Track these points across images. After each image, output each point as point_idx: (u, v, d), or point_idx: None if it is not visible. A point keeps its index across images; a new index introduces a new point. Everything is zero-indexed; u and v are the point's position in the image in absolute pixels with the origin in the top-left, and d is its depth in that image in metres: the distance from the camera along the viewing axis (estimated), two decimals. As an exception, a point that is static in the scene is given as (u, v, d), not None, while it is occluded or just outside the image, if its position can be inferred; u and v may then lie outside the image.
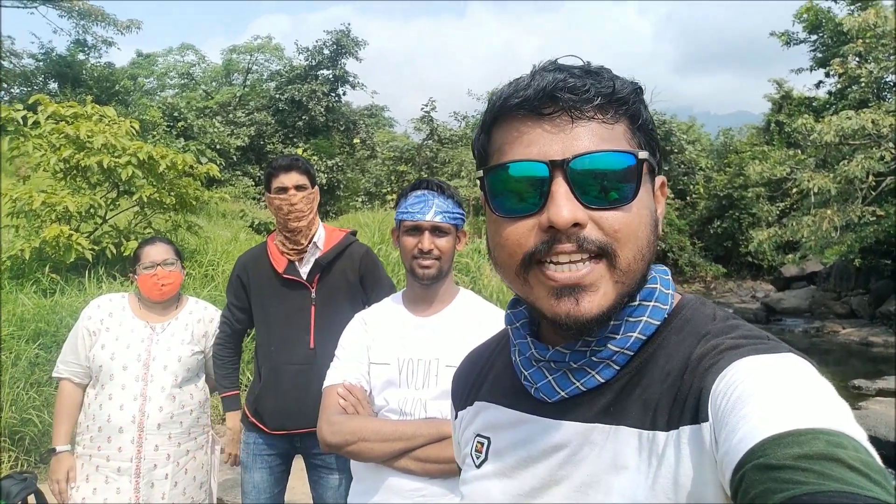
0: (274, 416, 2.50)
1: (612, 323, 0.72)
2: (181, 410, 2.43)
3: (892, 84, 15.31)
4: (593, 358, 0.73)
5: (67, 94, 18.98)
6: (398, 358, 1.76)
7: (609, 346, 0.72)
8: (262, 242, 2.68)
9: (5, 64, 22.05)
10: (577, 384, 0.74)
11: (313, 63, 22.61)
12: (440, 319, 1.82)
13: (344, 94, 23.58)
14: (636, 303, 0.74)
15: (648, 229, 0.71)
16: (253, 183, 20.11)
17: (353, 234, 2.71)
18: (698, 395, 0.65)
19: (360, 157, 23.05)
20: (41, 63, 22.30)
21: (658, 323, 0.74)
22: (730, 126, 31.29)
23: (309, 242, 2.55)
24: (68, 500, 2.40)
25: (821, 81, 20.33)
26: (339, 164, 20.61)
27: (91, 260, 6.63)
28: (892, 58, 12.87)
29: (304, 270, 2.56)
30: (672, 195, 25.04)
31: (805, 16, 18.67)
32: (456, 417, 0.96)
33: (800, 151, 15.51)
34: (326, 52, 22.53)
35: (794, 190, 14.93)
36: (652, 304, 0.74)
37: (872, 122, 11.81)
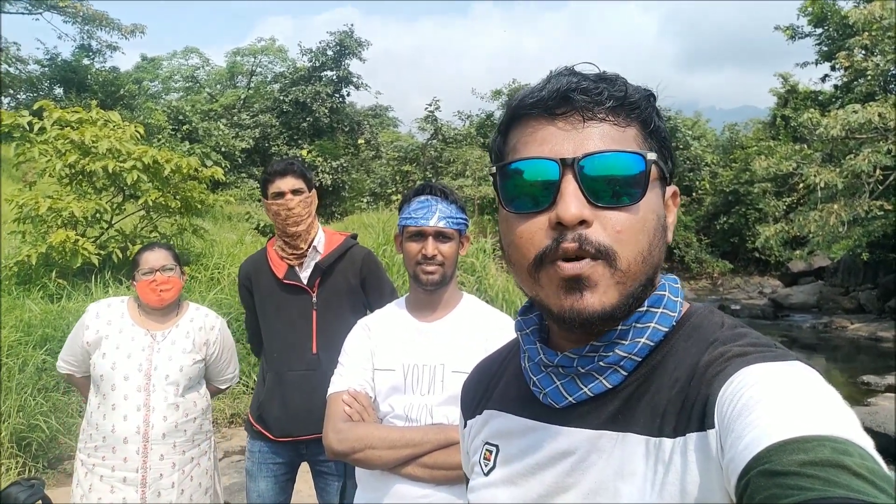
0: (279, 423, 2.49)
1: (619, 328, 0.73)
2: (185, 419, 2.42)
3: (898, 77, 15.22)
4: (601, 363, 0.73)
5: (73, 99, 19.08)
6: (403, 364, 1.75)
7: (617, 350, 0.73)
8: (263, 248, 2.67)
9: (11, 70, 22.17)
10: (585, 389, 0.74)
11: (317, 64, 22.65)
12: (444, 325, 1.81)
13: (348, 94, 23.64)
14: (644, 309, 0.74)
15: (653, 233, 0.72)
16: (258, 185, 20.13)
17: (354, 237, 2.69)
18: (705, 401, 0.65)
19: (364, 158, 23.08)
20: (46, 69, 22.43)
21: (666, 329, 0.74)
22: (735, 121, 31.16)
23: (308, 247, 2.53)
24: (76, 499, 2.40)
25: (826, 75, 20.23)
26: (344, 164, 20.64)
27: (97, 264, 6.66)
28: (898, 50, 12.79)
29: (304, 275, 2.54)
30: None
31: (810, 9, 18.57)
32: (465, 426, 0.97)
33: (806, 146, 15.43)
34: (330, 53, 22.56)
35: (801, 185, 14.88)
36: (660, 310, 0.74)
37: (879, 115, 11.74)
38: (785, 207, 19.75)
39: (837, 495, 0.49)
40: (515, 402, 0.84)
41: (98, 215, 7.12)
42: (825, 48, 18.97)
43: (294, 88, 22.25)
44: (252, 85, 27.76)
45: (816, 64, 19.70)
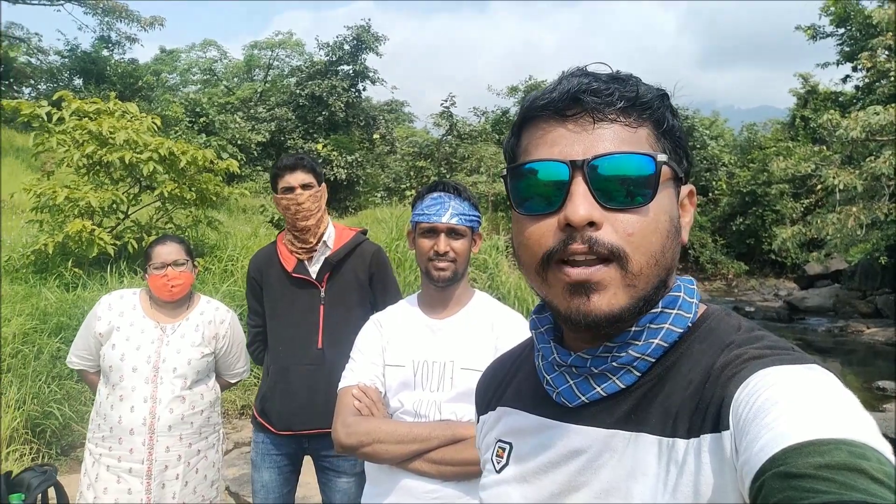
0: (281, 416, 2.50)
1: (633, 329, 0.73)
2: (192, 412, 2.43)
3: (921, 79, 14.98)
4: (614, 363, 0.73)
5: (91, 90, 19.26)
6: (413, 360, 1.76)
7: (630, 351, 0.73)
8: (272, 242, 2.67)
9: (32, 61, 22.43)
10: (598, 389, 0.74)
11: (333, 59, 22.68)
12: (455, 321, 1.81)
13: (364, 89, 23.65)
14: (658, 310, 0.73)
15: (665, 235, 0.71)
16: (273, 178, 20.22)
17: (364, 232, 2.69)
18: (720, 403, 0.65)
19: (379, 153, 23.10)
20: (66, 60, 22.67)
21: (681, 331, 0.73)
22: (753, 121, 30.85)
23: (318, 241, 2.53)
24: (80, 499, 2.42)
25: (848, 76, 19.97)
26: (359, 159, 20.67)
27: (113, 255, 6.72)
28: (921, 52, 12.59)
29: (313, 269, 2.54)
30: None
31: (832, 9, 18.32)
32: (478, 422, 0.97)
33: (825, 147, 15.24)
34: (347, 47, 22.58)
35: (819, 187, 14.69)
36: (675, 311, 0.74)
37: (901, 117, 11.56)
38: (802, 209, 19.56)
39: (854, 499, 0.48)
40: (529, 399, 0.84)
41: (114, 206, 7.18)
42: (847, 48, 18.73)
43: (310, 82, 22.30)
44: (269, 78, 27.88)
45: (838, 64, 19.47)
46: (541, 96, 0.74)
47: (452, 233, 1.77)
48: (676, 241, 0.73)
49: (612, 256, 0.68)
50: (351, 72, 22.85)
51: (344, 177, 20.01)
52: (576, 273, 0.69)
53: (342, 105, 21.89)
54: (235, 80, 29.27)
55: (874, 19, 13.98)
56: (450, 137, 21.45)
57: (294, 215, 2.47)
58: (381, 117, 24.17)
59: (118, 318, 2.46)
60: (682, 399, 0.69)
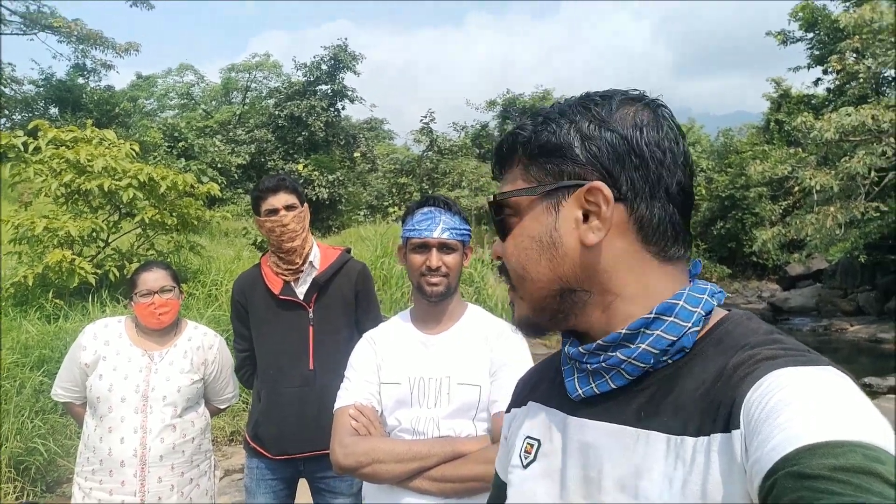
0: (276, 441, 2.47)
1: (623, 332, 0.74)
2: (183, 440, 2.39)
3: (890, 79, 15.30)
4: (604, 364, 0.76)
5: (68, 118, 19.10)
6: (409, 377, 1.74)
7: (618, 353, 0.75)
8: (256, 265, 2.65)
9: (7, 91, 22.21)
10: (593, 385, 0.78)
11: (311, 79, 22.72)
12: (450, 336, 1.80)
13: (343, 108, 23.70)
14: (652, 316, 0.74)
15: (527, 253, 0.80)
16: (255, 200, 20.13)
17: (348, 251, 2.68)
18: (731, 403, 0.65)
19: (360, 171, 23.11)
20: (41, 89, 22.47)
21: (673, 338, 0.73)
22: (729, 126, 31.29)
23: (304, 262, 2.51)
24: None
25: (819, 79, 20.35)
26: (341, 178, 20.66)
27: (94, 284, 6.63)
28: (890, 52, 12.84)
29: (300, 290, 2.52)
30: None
31: (800, 14, 18.70)
32: (508, 412, 0.99)
33: (800, 149, 15.47)
34: (324, 67, 22.64)
35: (797, 188, 14.90)
36: (670, 319, 0.74)
37: (872, 117, 11.77)
38: (781, 211, 19.76)
39: (869, 502, 0.48)
40: (555, 395, 0.87)
41: (94, 234, 7.11)
42: (817, 52, 19.10)
43: (289, 103, 22.31)
44: (247, 100, 27.85)
45: (808, 68, 19.83)
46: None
47: (444, 247, 1.76)
48: (552, 255, 0.78)
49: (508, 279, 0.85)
50: (329, 91, 22.90)
51: (326, 196, 19.98)
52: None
53: (321, 125, 21.90)
54: (213, 103, 29.19)
55: (841, 23, 14.27)
56: (430, 153, 21.53)
57: (279, 237, 2.45)
58: (361, 135, 24.21)
59: (104, 347, 2.41)
60: (694, 398, 0.70)
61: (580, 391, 0.79)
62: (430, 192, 19.91)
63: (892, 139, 12.15)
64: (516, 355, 1.75)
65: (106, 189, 6.73)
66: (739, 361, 0.68)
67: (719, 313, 0.78)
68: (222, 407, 2.74)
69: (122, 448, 2.29)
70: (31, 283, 6.45)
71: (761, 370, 0.64)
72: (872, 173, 12.45)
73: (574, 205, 0.76)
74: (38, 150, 6.86)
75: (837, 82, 17.11)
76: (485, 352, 1.75)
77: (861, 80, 14.09)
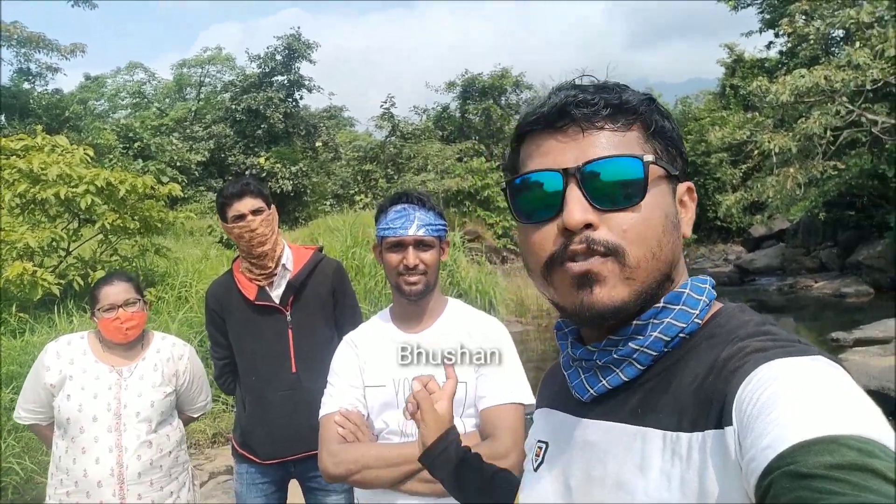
0: (265, 446, 2.44)
1: (635, 323, 0.75)
2: (160, 455, 2.32)
3: (839, 39, 15.60)
4: (615, 356, 0.76)
5: (16, 125, 18.47)
6: (393, 378, 1.71)
7: (630, 344, 0.75)
8: (228, 271, 2.59)
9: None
10: (604, 382, 0.77)
11: (267, 70, 22.32)
12: (432, 334, 1.76)
13: (301, 98, 23.37)
14: (661, 305, 0.75)
15: (660, 230, 0.74)
16: (218, 197, 19.80)
17: (321, 249, 2.64)
18: (723, 398, 0.65)
19: (324, 161, 22.86)
20: (-16, 96, 21.67)
21: (682, 325, 0.74)
22: (686, 94, 31.67)
23: (277, 265, 2.47)
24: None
25: (771, 42, 20.65)
26: (304, 169, 20.41)
27: (59, 294, 6.45)
28: (837, 14, 13.07)
29: (275, 294, 2.48)
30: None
31: (750, -21, 18.90)
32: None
33: (757, 113, 15.74)
34: (279, 57, 22.25)
35: (756, 152, 15.18)
36: (678, 307, 0.75)
37: (825, 78, 11.98)
38: (742, 175, 20.15)
39: (868, 501, 0.48)
40: (562, 399, 0.88)
41: (54, 244, 6.90)
42: (767, 16, 19.34)
43: (245, 96, 21.89)
44: (202, 96, 27.28)
45: (761, 32, 20.08)
46: (532, 112, 0.78)
47: (420, 245, 1.72)
48: (675, 236, 0.76)
49: (609, 252, 0.72)
50: (286, 82, 22.54)
51: (290, 188, 19.73)
52: (577, 266, 0.73)
53: (280, 116, 21.56)
54: (167, 100, 28.53)
55: (790, -14, 14.49)
56: (393, 138, 21.38)
57: (249, 242, 2.40)
58: (321, 125, 23.91)
59: (69, 366, 2.30)
60: (688, 393, 0.70)
61: (591, 390, 0.78)
62: (395, 177, 19.81)
63: (844, 98, 12.41)
64: (501, 348, 1.73)
65: (63, 197, 6.52)
66: (730, 354, 0.68)
67: (714, 307, 0.78)
68: (196, 416, 2.68)
69: (97, 468, 2.22)
70: (-9, 299, 6.26)
71: (751, 363, 0.64)
72: (828, 133, 12.71)
73: (676, 196, 0.78)
74: (-13, 160, 6.62)
75: (789, 45, 17.37)
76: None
77: (811, 41, 14.31)
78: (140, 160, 18.47)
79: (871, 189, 15.27)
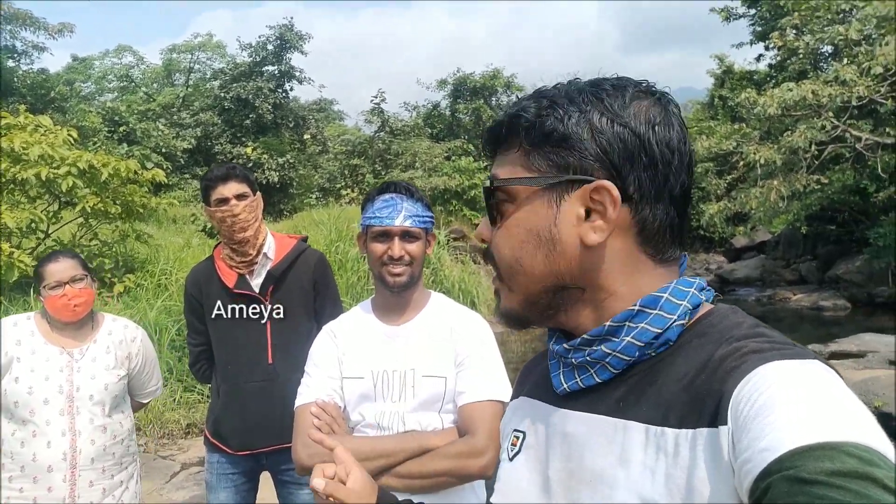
0: (237, 436, 2.42)
1: (608, 325, 0.74)
2: (113, 441, 2.28)
3: (827, 55, 15.77)
4: (589, 357, 0.76)
5: (-1, 103, 18.16)
6: (372, 370, 1.70)
7: (603, 347, 0.74)
8: (209, 257, 2.56)
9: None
10: (578, 380, 0.78)
11: (257, 59, 22.12)
12: (413, 327, 1.75)
13: (291, 89, 23.17)
14: (636, 308, 0.74)
15: (518, 246, 0.77)
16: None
17: (305, 239, 2.61)
18: (718, 398, 0.64)
19: (311, 153, 22.72)
20: (-33, 72, 21.30)
21: (658, 330, 0.73)
22: (677, 102, 31.80)
23: (258, 253, 2.44)
24: None
25: (761, 55, 20.83)
26: (291, 161, 20.27)
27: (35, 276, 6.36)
28: (826, 29, 13.22)
29: (255, 283, 2.44)
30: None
31: (742, -9, 19.04)
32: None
33: (744, 125, 15.86)
34: (270, 47, 22.06)
35: (741, 163, 15.27)
36: (654, 312, 0.73)
37: (812, 92, 12.09)
38: (726, 185, 20.24)
39: None
40: (542, 388, 0.88)
41: (33, 225, 6.82)
42: (759, 28, 19.52)
43: (235, 85, 21.68)
44: (191, 82, 27.00)
45: (751, 44, 20.27)
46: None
47: (406, 235, 1.70)
48: (549, 250, 0.75)
49: (494, 266, 0.82)
50: (276, 72, 22.35)
51: (276, 180, 19.59)
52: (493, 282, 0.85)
53: (269, 107, 21.38)
54: (155, 85, 28.21)
55: (781, 0, 14.61)
56: (382, 134, 21.30)
57: (230, 227, 2.36)
58: (310, 117, 23.75)
59: (16, 347, 2.24)
60: (676, 390, 0.69)
61: (565, 385, 0.79)
62: (383, 173, 19.75)
63: (830, 113, 12.55)
64: (482, 345, 1.72)
65: (43, 178, 6.44)
66: (725, 354, 0.67)
67: (705, 307, 0.77)
68: (145, 402, 2.63)
69: (49, 452, 2.16)
70: (-34, 279, 6.15)
71: (749, 364, 0.63)
72: (813, 147, 12.84)
73: (577, 201, 0.73)
74: (-33, 138, 6.51)
75: (779, 58, 17.53)
76: (450, 342, 1.71)
77: (801, 55, 14.45)
78: (125, 145, 18.23)
79: (852, 204, 15.47)
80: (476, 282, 10.86)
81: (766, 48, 19.05)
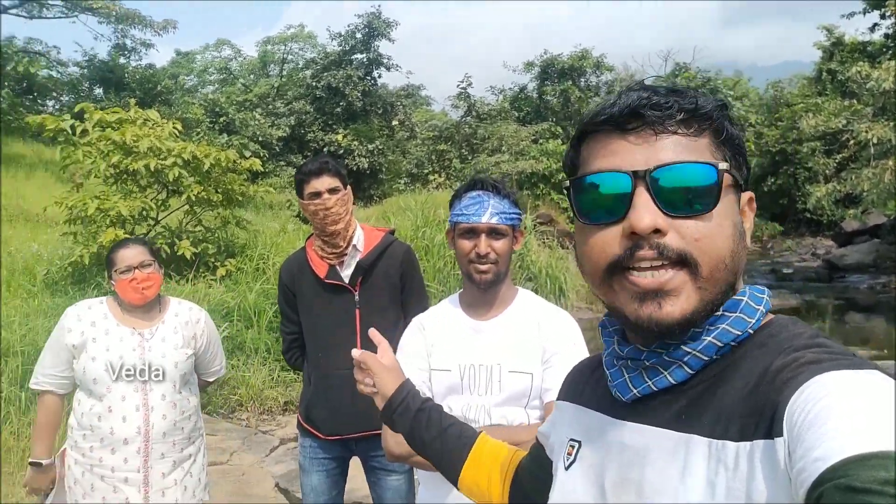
0: (327, 422, 2.51)
1: (693, 330, 0.74)
2: (181, 416, 2.42)
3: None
4: (666, 358, 0.75)
5: (112, 98, 19.48)
6: (459, 364, 1.72)
7: (683, 347, 0.74)
8: (302, 248, 2.66)
9: (53, 74, 22.76)
10: (650, 383, 0.76)
11: (347, 48, 22.60)
12: (500, 323, 1.76)
13: (379, 76, 23.54)
14: (720, 312, 0.74)
15: (731, 240, 0.73)
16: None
17: (392, 232, 2.66)
18: (774, 409, 0.64)
19: (399, 139, 23.05)
20: (85, 70, 22.96)
21: (738, 333, 0.73)
22: (778, 78, 30.09)
23: (348, 245, 2.51)
24: None
25: (875, 24, 19.27)
26: (380, 147, 20.64)
27: (146, 261, 6.79)
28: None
29: (345, 274, 2.52)
30: (721, 155, 24.38)
31: (856, -45, 17.68)
32: (559, 399, 1.00)
33: (856, 101, 14.80)
34: (359, 36, 22.47)
35: (852, 141, 14.29)
36: (735, 314, 0.74)
37: (935, 63, 11.15)
38: (835, 165, 19.05)
39: None
40: (599, 399, 0.87)
41: (144, 213, 7.28)
42: (874, -5, 18.06)
43: (326, 74, 22.27)
44: (284, 73, 27.92)
45: (864, 13, 18.77)
46: (600, 111, 0.76)
47: (493, 233, 1.70)
48: (742, 246, 0.75)
49: (681, 261, 0.70)
50: (365, 60, 22.76)
51: (366, 166, 20.02)
52: (646, 282, 0.71)
53: (359, 94, 21.83)
54: (252, 76, 29.36)
55: (901, -38, 13.47)
56: (469, 118, 21.33)
57: (322, 220, 2.45)
58: (398, 103, 24.06)
59: (91, 328, 2.39)
60: (735, 402, 0.69)
61: (635, 391, 0.77)
62: (469, 158, 19.78)
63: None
64: (570, 342, 1.71)
65: (152, 168, 6.87)
66: (782, 365, 0.67)
67: (766, 317, 0.77)
68: (210, 380, 2.76)
69: (124, 426, 2.31)
70: (87, 263, 6.66)
71: (805, 374, 0.63)
72: (935, 123, 11.83)
73: (738, 205, 0.77)
74: (85, 132, 7.03)
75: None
76: (536, 339, 1.71)
77: (923, 23, 13.31)
78: (225, 134, 19.12)
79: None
80: (564, 267, 10.71)
81: (882, 16, 17.60)
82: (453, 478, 1.18)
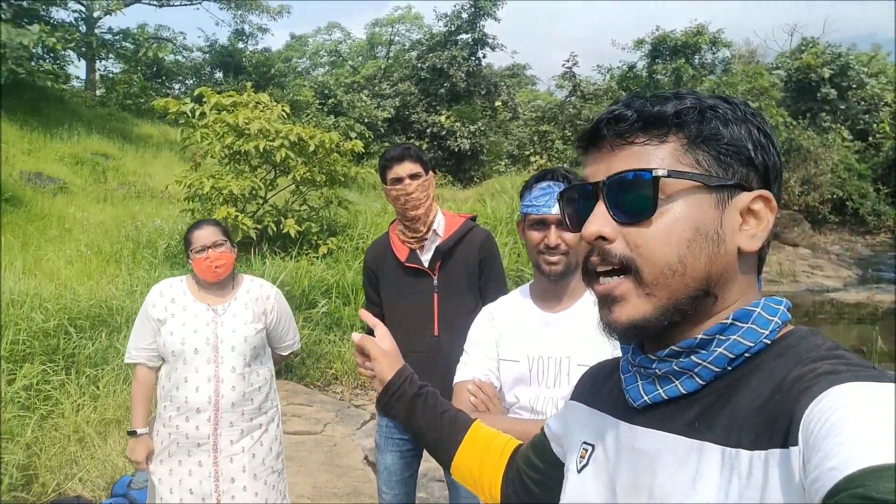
0: None
1: (700, 337, 0.74)
2: (251, 388, 2.55)
3: None
4: (676, 367, 0.76)
5: (230, 81, 20.60)
6: (528, 355, 1.72)
7: (693, 357, 0.75)
8: (385, 232, 2.73)
9: (179, 59, 24.34)
10: (661, 391, 0.77)
11: (452, 28, 22.65)
12: (569, 316, 1.73)
13: (484, 56, 23.45)
14: (729, 321, 0.74)
15: (683, 245, 0.73)
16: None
17: (473, 218, 2.68)
18: (790, 418, 0.63)
19: (502, 120, 22.93)
20: (207, 55, 24.38)
21: (750, 344, 0.73)
22: (922, 52, 27.23)
23: (428, 230, 2.55)
24: (154, 472, 2.61)
25: None
26: (482, 128, 20.63)
27: (255, 238, 7.19)
28: None
29: (425, 258, 2.56)
30: (851, 137, 22.41)
31: None
32: (571, 398, 1.01)
33: None
34: (464, 16, 22.45)
35: None
36: (747, 325, 0.74)
37: None
38: None
39: None
40: (614, 402, 0.88)
41: (254, 192, 7.69)
42: None
43: (431, 55, 22.45)
44: (391, 54, 28.42)
45: None
46: (580, 133, 0.82)
47: (563, 224, 1.69)
48: (712, 250, 0.74)
49: (624, 268, 0.74)
50: (470, 40, 22.73)
51: (467, 147, 20.09)
52: (599, 288, 0.77)
53: (463, 75, 21.86)
54: (360, 58, 30.10)
55: None
56: (573, 99, 20.86)
57: (403, 205, 2.50)
58: (502, 84, 23.91)
59: (171, 304, 2.58)
60: (750, 410, 0.69)
61: (646, 397, 0.79)
62: (572, 139, 19.38)
63: None
64: None
65: (262, 149, 7.23)
66: (799, 375, 0.67)
67: (785, 328, 0.77)
68: (285, 354, 2.89)
69: (197, 396, 2.48)
70: (202, 238, 7.13)
71: (822, 385, 0.62)
72: None
73: (736, 206, 0.76)
74: (203, 115, 7.49)
75: None
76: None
77: None
78: (333, 116, 19.74)
79: None
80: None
81: None
82: (446, 463, 1.18)
